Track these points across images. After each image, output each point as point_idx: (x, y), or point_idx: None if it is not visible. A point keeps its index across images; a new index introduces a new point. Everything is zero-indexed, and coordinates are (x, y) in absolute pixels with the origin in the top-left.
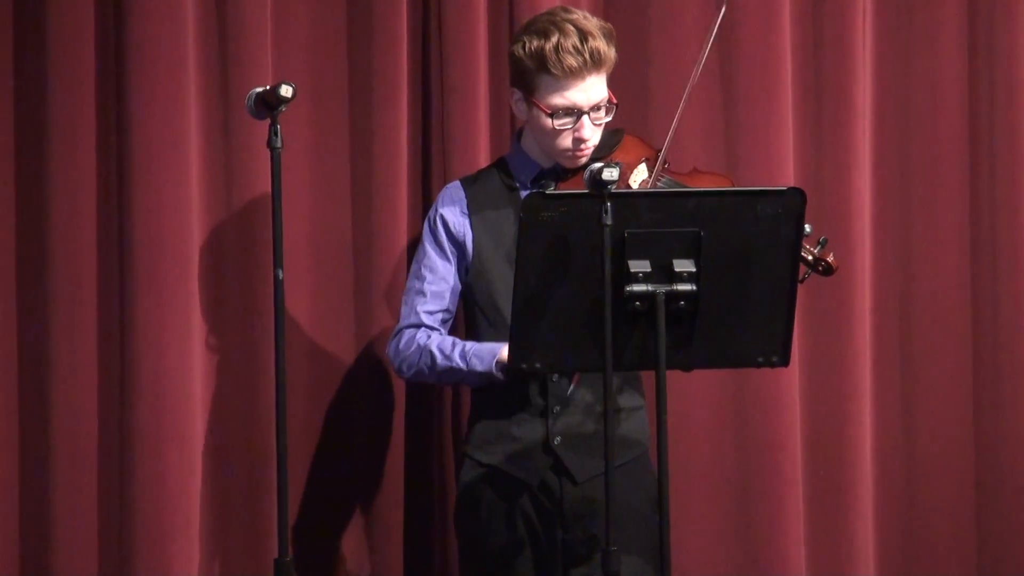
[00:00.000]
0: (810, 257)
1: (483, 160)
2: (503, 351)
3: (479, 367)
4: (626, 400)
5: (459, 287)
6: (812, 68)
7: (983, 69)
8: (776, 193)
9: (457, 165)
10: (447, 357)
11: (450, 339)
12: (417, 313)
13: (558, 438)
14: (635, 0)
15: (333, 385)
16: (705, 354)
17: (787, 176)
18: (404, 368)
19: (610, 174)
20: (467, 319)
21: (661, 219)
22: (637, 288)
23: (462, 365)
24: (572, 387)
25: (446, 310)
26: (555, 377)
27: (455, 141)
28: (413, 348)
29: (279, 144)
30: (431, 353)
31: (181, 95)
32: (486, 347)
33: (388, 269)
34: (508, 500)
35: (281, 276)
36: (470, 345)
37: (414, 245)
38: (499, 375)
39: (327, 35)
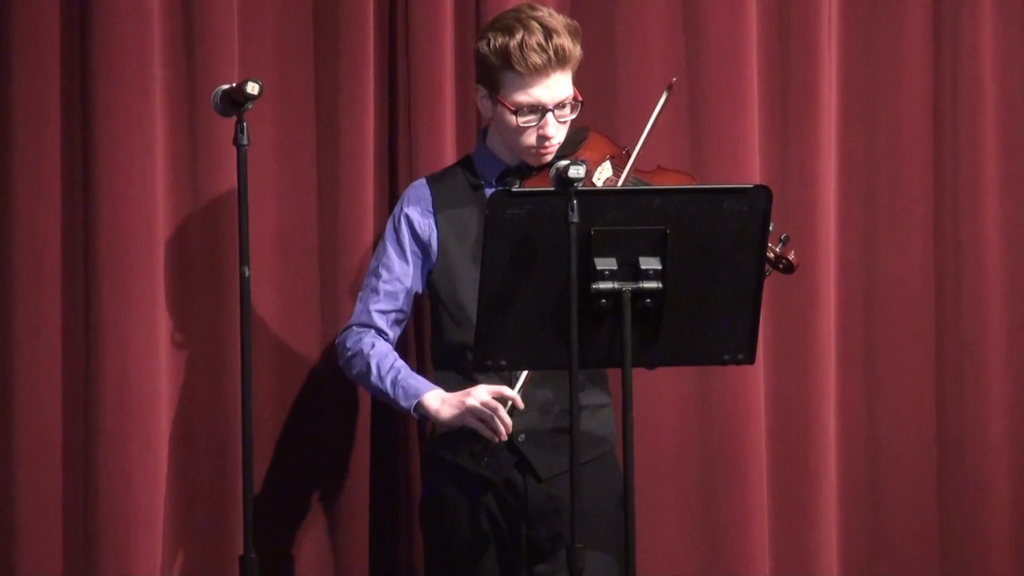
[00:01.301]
0: (771, 255)
1: (450, 157)
2: (427, 397)
3: (401, 401)
4: (591, 398)
5: (416, 289)
6: (778, 65)
7: (947, 66)
8: (742, 191)
9: (423, 162)
10: (380, 377)
11: (391, 358)
12: (369, 312)
13: (522, 435)
14: None
15: (299, 382)
16: (671, 352)
17: (753, 173)
18: (346, 368)
19: (576, 172)
20: (432, 317)
21: (627, 217)
22: (603, 286)
23: (390, 391)
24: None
25: (399, 310)
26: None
27: (421, 138)
28: (357, 352)
29: (245, 141)
30: (369, 367)
31: (147, 92)
32: (414, 384)
33: (354, 266)
34: (473, 498)
35: (247, 274)
36: (403, 375)
37: (379, 240)
38: (414, 416)
39: (294, 32)
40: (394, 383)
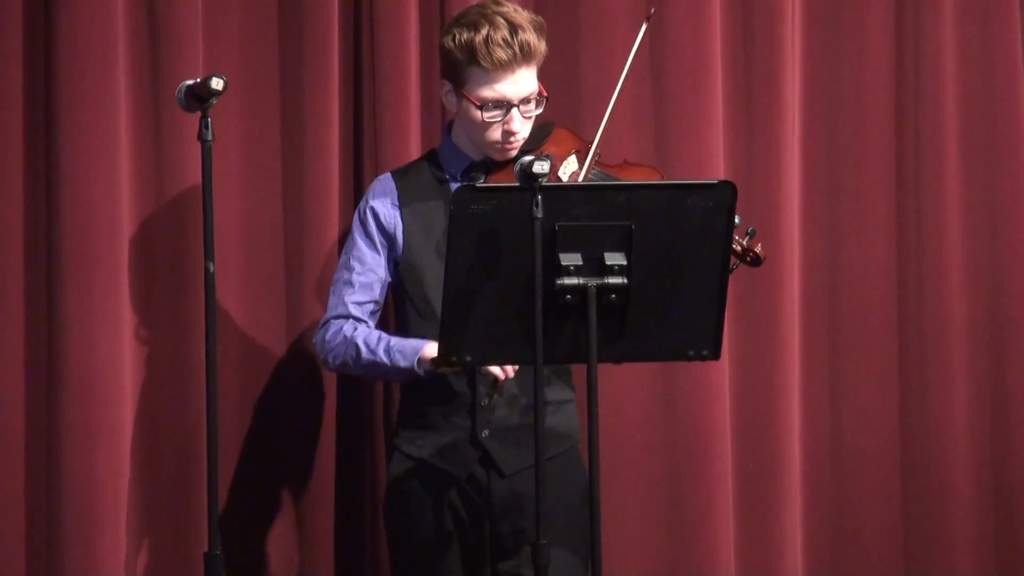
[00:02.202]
0: (739, 248)
1: (414, 152)
2: (426, 348)
3: (402, 363)
4: (555, 393)
5: (388, 279)
6: (742, 61)
7: (909, 64)
8: (707, 186)
9: (388, 157)
10: (371, 351)
11: (376, 333)
12: (345, 304)
13: (486, 431)
14: None
15: (264, 378)
16: (636, 347)
17: (717, 169)
18: (330, 359)
19: (541, 167)
20: (397, 311)
21: (592, 212)
22: (568, 281)
23: (385, 360)
24: (496, 397)
25: (375, 301)
26: (483, 400)
27: (386, 133)
28: (339, 339)
29: (210, 137)
30: (356, 345)
31: (111, 87)
32: (410, 343)
33: (320, 262)
34: (436, 493)
35: (212, 269)
36: (395, 340)
37: (345, 237)
38: (421, 372)
39: (258, 27)
40: (388, 351)
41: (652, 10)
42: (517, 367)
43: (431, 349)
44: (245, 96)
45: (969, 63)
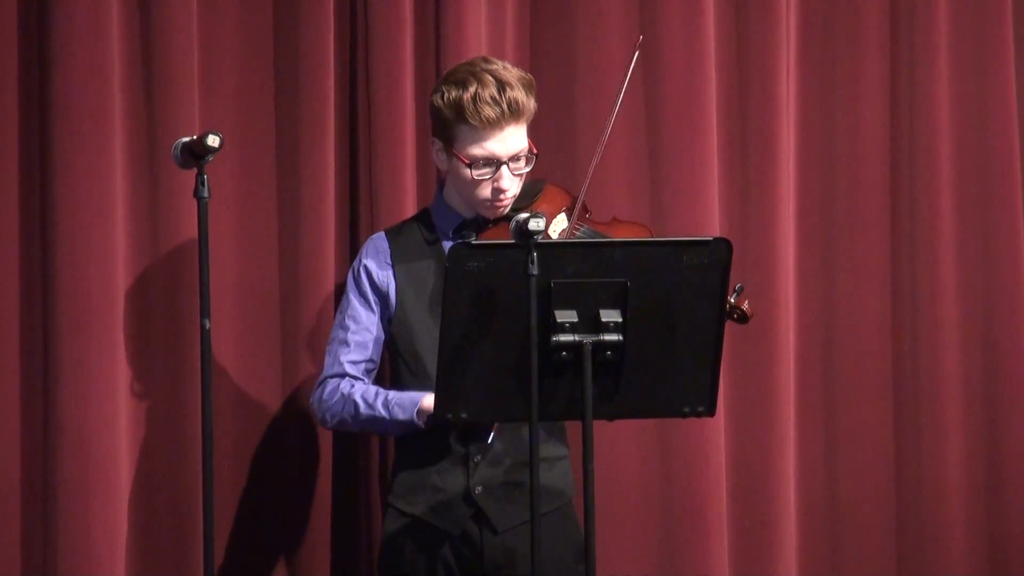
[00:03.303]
0: (726, 305)
1: (410, 209)
2: (425, 400)
3: (401, 416)
4: (549, 450)
5: (383, 337)
6: (737, 117)
7: (904, 119)
8: (702, 243)
9: (384, 214)
10: (370, 406)
11: (373, 388)
12: (341, 363)
13: (479, 487)
14: (560, 50)
15: (260, 435)
16: (632, 404)
17: (713, 226)
18: (327, 417)
19: (536, 224)
20: (391, 369)
21: (588, 269)
22: (563, 338)
23: (384, 414)
24: (492, 435)
25: (370, 360)
26: (476, 457)
27: (382, 190)
28: (337, 397)
29: (206, 194)
30: (354, 402)
31: (107, 144)
32: (408, 396)
33: (315, 318)
34: (430, 550)
35: (208, 326)
36: (393, 394)
37: (341, 294)
38: (420, 424)
39: (254, 85)
40: (386, 404)
41: (640, 37)
42: None
43: (429, 400)
44: (241, 153)
45: (963, 118)
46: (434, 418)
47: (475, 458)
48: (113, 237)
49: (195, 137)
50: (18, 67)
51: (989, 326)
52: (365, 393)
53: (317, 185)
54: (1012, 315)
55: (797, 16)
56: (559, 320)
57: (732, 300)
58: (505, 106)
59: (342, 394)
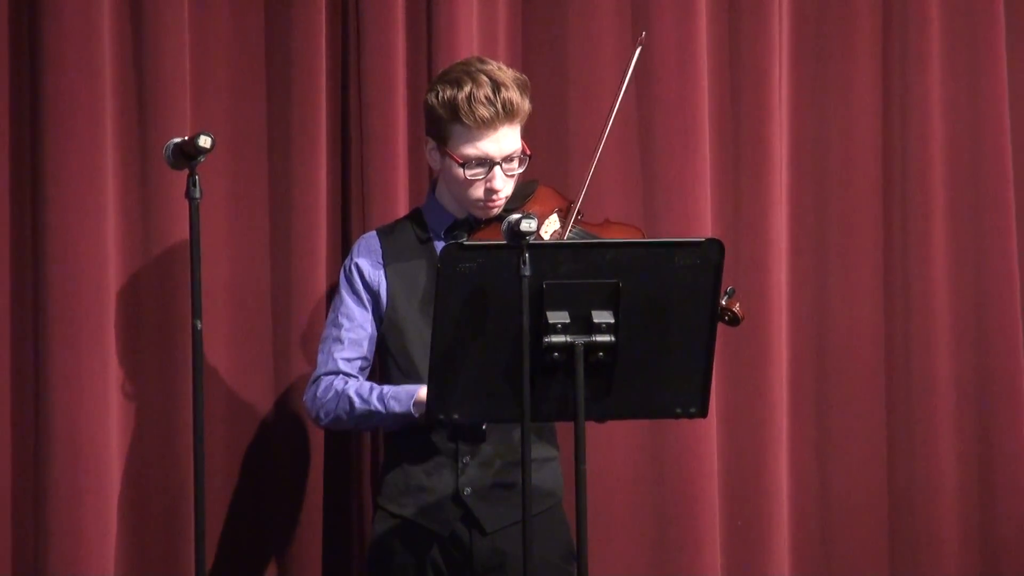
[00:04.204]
0: (718, 306)
1: (402, 209)
2: (420, 391)
3: (397, 408)
4: (539, 451)
5: (376, 334)
6: (729, 119)
7: (897, 121)
8: (695, 244)
9: (376, 214)
10: (365, 401)
11: (367, 383)
12: (335, 360)
13: (468, 489)
14: (553, 51)
15: (251, 435)
16: (624, 405)
17: (705, 227)
18: (322, 415)
19: (528, 225)
20: (380, 368)
21: (580, 270)
22: (555, 339)
23: (380, 408)
24: (485, 425)
25: (364, 357)
26: (465, 458)
27: (374, 190)
28: (331, 395)
29: (198, 195)
30: (349, 398)
31: (98, 145)
32: (403, 389)
33: (307, 318)
34: (419, 552)
35: (199, 326)
36: (387, 388)
37: (333, 294)
38: (416, 415)
39: (246, 85)
40: (382, 398)
41: (643, 33)
42: None
43: (424, 391)
44: (233, 154)
45: (956, 120)
46: (421, 407)
47: (464, 459)
48: (104, 238)
49: (187, 138)
50: (9, 67)
51: (981, 327)
52: (359, 389)
53: (309, 186)
54: (1004, 316)
55: (790, 18)
56: (551, 321)
57: (723, 302)
58: (499, 106)
59: (336, 391)
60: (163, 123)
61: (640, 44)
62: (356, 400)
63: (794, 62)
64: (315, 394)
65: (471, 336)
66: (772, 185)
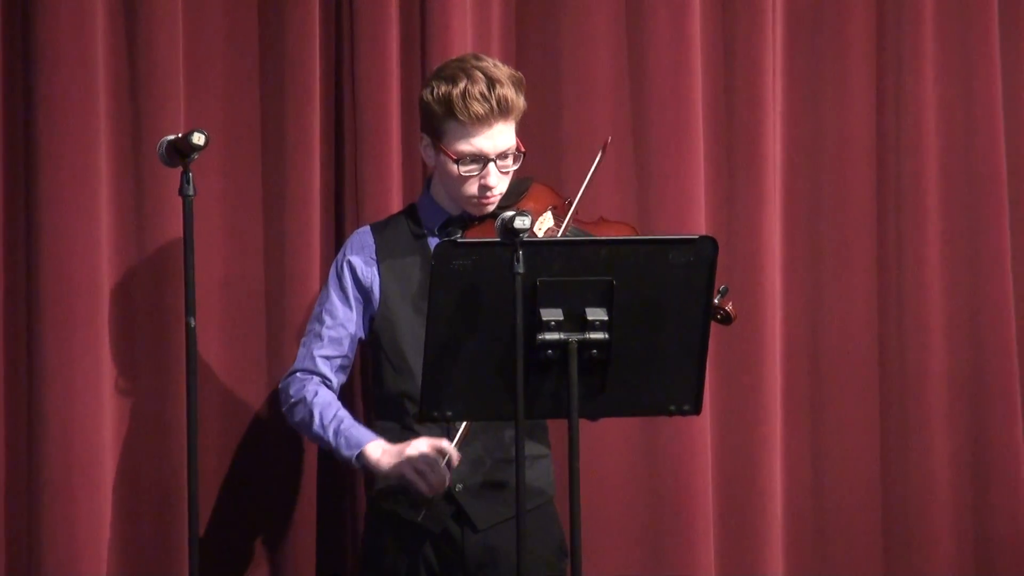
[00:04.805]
0: (712, 303)
1: (396, 206)
2: (369, 446)
3: (344, 451)
4: (530, 449)
5: (360, 335)
6: (723, 116)
7: (890, 119)
8: (688, 241)
9: (370, 211)
10: (323, 427)
11: (335, 407)
12: (313, 357)
13: (459, 485)
14: (546, 49)
15: (245, 432)
16: (617, 402)
17: (699, 224)
18: (288, 414)
19: (522, 222)
20: (373, 365)
21: (573, 267)
22: (549, 336)
23: (332, 441)
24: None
25: (344, 356)
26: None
27: (368, 187)
28: (300, 400)
29: (191, 192)
30: (311, 413)
31: (91, 142)
32: (356, 434)
33: (300, 316)
34: (411, 548)
35: (193, 323)
36: (347, 424)
37: None
38: (357, 466)
39: (240, 82)
40: (336, 432)
41: (608, 138)
42: (444, 486)
43: (372, 448)
44: (226, 151)
45: (950, 118)
46: (368, 466)
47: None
48: (98, 235)
49: (180, 135)
50: (2, 63)
51: (975, 325)
52: (324, 409)
53: (302, 182)
54: (998, 314)
55: (783, 15)
56: (545, 318)
57: (716, 301)
58: (494, 103)
59: (305, 399)
60: (157, 120)
61: (604, 146)
62: (316, 421)
63: (788, 60)
64: (288, 389)
65: (464, 333)
66: (766, 183)
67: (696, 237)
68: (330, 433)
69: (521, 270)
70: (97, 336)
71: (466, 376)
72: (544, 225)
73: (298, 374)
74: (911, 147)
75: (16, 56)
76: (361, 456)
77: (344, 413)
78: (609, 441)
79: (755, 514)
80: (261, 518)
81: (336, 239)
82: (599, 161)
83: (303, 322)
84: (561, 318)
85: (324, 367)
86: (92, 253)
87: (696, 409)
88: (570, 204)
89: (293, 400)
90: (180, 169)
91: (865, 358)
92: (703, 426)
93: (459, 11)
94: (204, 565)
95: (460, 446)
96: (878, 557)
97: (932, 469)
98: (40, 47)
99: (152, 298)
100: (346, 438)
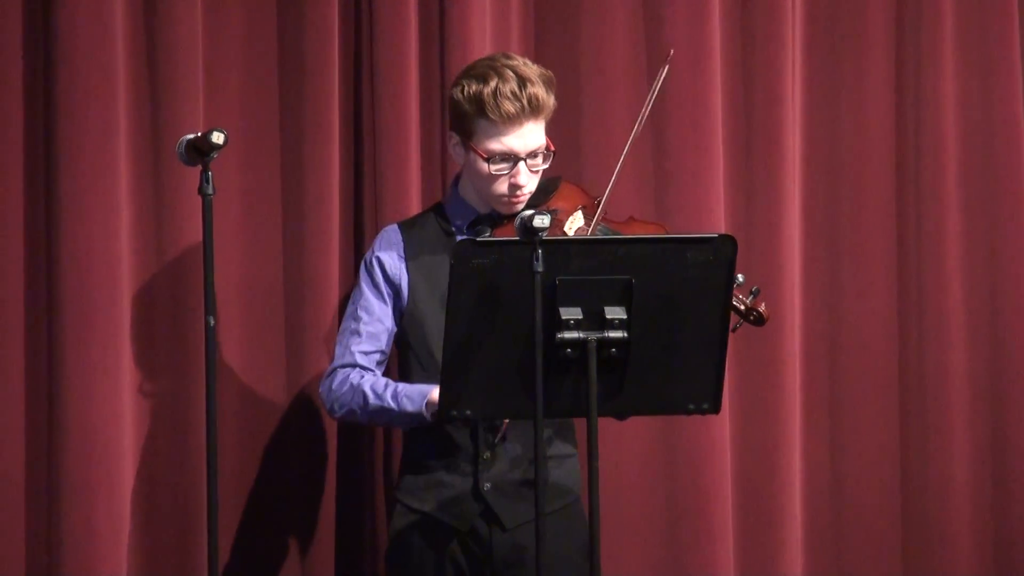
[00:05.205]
0: (742, 307)
1: (415, 206)
2: (434, 392)
3: (409, 408)
4: (557, 448)
5: (395, 329)
6: (742, 115)
7: (910, 116)
8: (707, 240)
9: (389, 210)
10: (379, 397)
11: (383, 379)
12: (352, 353)
13: (488, 484)
14: (566, 49)
15: (265, 432)
16: (636, 401)
17: (718, 223)
18: (336, 407)
19: (541, 221)
20: (400, 362)
21: (593, 266)
22: (568, 335)
23: (393, 406)
24: (498, 439)
25: (381, 351)
26: (485, 454)
27: (386, 187)
28: (346, 388)
29: (211, 191)
30: (363, 393)
31: (111, 142)
32: (417, 388)
33: (319, 315)
34: (438, 546)
35: (213, 323)
36: (402, 386)
37: (345, 290)
38: (428, 416)
39: (259, 82)
40: (395, 396)
41: (671, 51)
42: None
43: (437, 392)
44: (246, 150)
45: (969, 115)
46: (441, 411)
47: (484, 455)
48: (118, 234)
49: (199, 134)
50: (23, 65)
51: (995, 324)
52: (375, 384)
53: (321, 181)
54: (1018, 313)
55: (803, 14)
56: (564, 317)
57: (749, 302)
58: (525, 102)
59: (351, 384)
60: (176, 119)
61: (668, 62)
62: (370, 395)
63: (807, 58)
64: (330, 386)
65: (484, 332)
66: (785, 181)
67: (715, 236)
68: (389, 399)
69: (540, 269)
70: (117, 335)
71: (485, 375)
72: (575, 224)
73: (339, 369)
74: (930, 145)
75: (36, 57)
76: (429, 404)
77: (394, 381)
78: (628, 440)
79: (774, 514)
80: (280, 518)
81: (355, 237)
82: (664, 76)
83: (322, 320)
84: (580, 317)
85: (364, 361)
86: (111, 252)
87: (715, 408)
88: (599, 203)
89: (338, 392)
90: (199, 168)
91: (885, 357)
92: (723, 425)
93: (478, 10)
94: (224, 564)
95: (500, 443)
96: (897, 557)
97: (952, 469)
98: (60, 47)
99: (171, 297)
100: (407, 397)
